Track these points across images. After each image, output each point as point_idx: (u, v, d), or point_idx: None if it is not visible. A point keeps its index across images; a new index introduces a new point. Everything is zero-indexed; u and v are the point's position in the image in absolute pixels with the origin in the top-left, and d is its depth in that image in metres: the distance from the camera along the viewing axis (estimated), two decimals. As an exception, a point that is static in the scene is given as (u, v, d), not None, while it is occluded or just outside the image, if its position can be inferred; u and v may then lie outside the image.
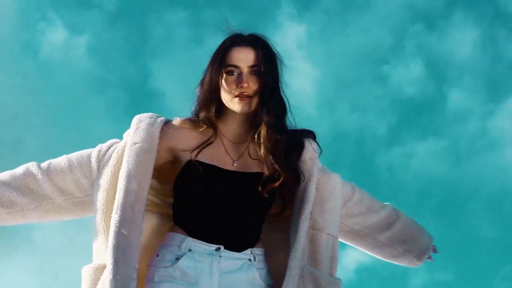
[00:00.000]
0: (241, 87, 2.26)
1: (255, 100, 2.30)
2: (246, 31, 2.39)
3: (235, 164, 2.33)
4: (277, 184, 2.25)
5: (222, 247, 2.20)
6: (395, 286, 6.04)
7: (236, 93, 2.28)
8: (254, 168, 2.33)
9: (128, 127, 2.35)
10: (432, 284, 6.02)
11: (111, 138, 2.41)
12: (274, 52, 2.38)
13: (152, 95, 6.67)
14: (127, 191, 2.17)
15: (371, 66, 6.79)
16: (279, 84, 2.37)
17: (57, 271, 6.23)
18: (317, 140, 2.47)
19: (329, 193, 2.39)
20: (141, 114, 2.37)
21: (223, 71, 2.30)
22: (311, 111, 6.67)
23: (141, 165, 2.23)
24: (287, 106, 2.38)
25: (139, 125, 2.32)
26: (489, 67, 6.69)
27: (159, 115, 2.39)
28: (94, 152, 2.37)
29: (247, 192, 2.27)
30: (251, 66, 2.30)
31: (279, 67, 2.38)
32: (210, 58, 2.37)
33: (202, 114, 2.35)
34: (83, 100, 6.78)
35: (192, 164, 2.26)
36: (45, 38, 6.87)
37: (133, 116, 2.37)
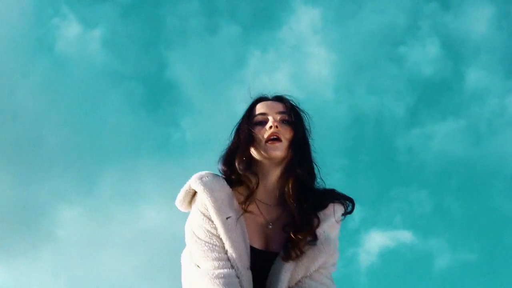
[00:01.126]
0: (271, 127, 2.20)
1: (286, 147, 2.21)
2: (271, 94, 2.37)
3: (270, 227, 2.25)
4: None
5: None
6: (419, 268, 6.02)
7: (266, 136, 2.21)
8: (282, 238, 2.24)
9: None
10: (456, 264, 6.00)
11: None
12: (302, 110, 2.33)
13: (168, 86, 6.67)
14: None
15: (387, 47, 6.74)
16: (309, 143, 2.30)
17: (81, 267, 6.26)
18: (349, 209, 2.32)
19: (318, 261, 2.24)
20: (200, 175, 2.22)
21: (251, 123, 2.25)
22: (329, 96, 6.65)
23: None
24: (318, 170, 2.29)
25: (213, 192, 2.19)
26: (506, 44, 6.63)
27: (214, 173, 2.27)
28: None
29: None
30: (280, 113, 2.25)
31: (308, 126, 2.31)
32: (236, 124, 2.32)
33: (238, 167, 2.23)
34: (99, 94, 6.79)
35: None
36: (59, 33, 6.88)
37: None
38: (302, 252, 2.16)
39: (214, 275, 2.10)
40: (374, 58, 6.68)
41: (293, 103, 2.31)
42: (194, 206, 2.22)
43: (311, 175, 2.28)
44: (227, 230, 2.13)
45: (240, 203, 2.20)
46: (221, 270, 2.11)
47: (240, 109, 2.37)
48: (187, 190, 2.22)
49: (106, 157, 6.54)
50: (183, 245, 2.29)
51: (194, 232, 2.18)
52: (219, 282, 2.08)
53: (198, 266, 2.16)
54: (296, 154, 2.22)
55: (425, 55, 6.61)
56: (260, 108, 2.28)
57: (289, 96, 2.33)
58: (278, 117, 2.24)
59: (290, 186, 2.22)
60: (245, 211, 2.18)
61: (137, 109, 6.61)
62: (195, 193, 2.23)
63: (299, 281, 2.17)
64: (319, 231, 2.21)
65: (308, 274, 2.19)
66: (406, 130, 6.60)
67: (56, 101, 6.76)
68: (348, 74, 6.70)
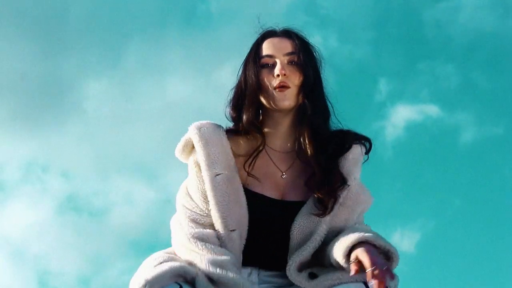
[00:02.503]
0: (278, 75, 2.05)
1: (295, 93, 2.07)
2: (279, 26, 2.18)
3: (284, 176, 2.11)
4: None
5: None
6: (445, 142, 6.07)
7: (275, 85, 2.05)
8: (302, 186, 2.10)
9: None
10: (482, 138, 6.03)
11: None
12: (312, 45, 2.15)
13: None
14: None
15: None
16: (322, 81, 2.14)
17: (107, 139, 6.36)
18: (371, 148, 2.20)
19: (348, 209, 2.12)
20: (200, 125, 2.11)
21: (258, 66, 2.10)
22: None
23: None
24: (332, 108, 2.14)
25: (207, 146, 2.07)
26: None
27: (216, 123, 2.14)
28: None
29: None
30: (288, 54, 2.09)
31: (319, 63, 2.15)
32: (243, 61, 2.16)
33: (244, 118, 2.10)
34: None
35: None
36: None
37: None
38: (332, 209, 2.03)
39: (192, 234, 2.00)
40: None
41: (303, 39, 2.14)
42: (190, 157, 2.11)
43: (326, 120, 2.14)
44: (213, 188, 2.01)
45: (243, 156, 2.09)
46: (200, 230, 2.01)
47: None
48: (186, 140, 2.10)
49: (132, 29, 6.48)
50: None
51: (186, 187, 2.11)
52: (195, 241, 1.98)
53: (180, 224, 2.06)
54: (309, 100, 2.07)
55: None
56: (267, 49, 2.11)
57: (298, 30, 2.15)
58: (286, 59, 2.08)
59: (305, 136, 2.08)
60: (249, 165, 2.06)
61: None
62: (193, 145, 2.11)
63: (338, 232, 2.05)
64: (350, 178, 2.09)
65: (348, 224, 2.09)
66: (434, 2, 6.47)
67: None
68: None
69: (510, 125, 5.94)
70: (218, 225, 2.01)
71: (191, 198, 2.08)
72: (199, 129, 2.08)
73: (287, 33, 2.14)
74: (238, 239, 2.01)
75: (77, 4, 6.58)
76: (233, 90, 2.15)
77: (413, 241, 5.61)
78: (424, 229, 5.70)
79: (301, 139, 2.09)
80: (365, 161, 2.20)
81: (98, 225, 6.23)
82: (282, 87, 2.04)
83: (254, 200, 2.05)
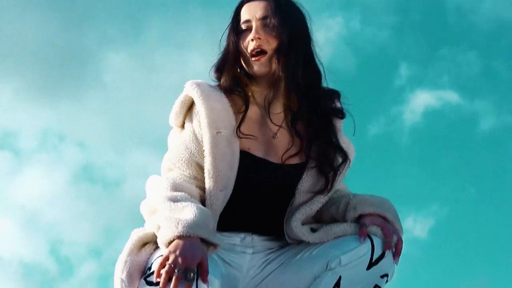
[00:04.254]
0: (253, 40, 2.05)
1: (272, 58, 2.05)
2: None
3: (276, 137, 2.10)
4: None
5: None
6: (463, 129, 6.04)
7: (250, 49, 2.06)
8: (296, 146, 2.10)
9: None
10: (501, 127, 6.00)
11: None
12: (293, 4, 2.13)
13: None
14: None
15: None
16: (303, 42, 2.11)
17: (126, 112, 6.37)
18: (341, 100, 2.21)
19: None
20: (197, 82, 2.08)
21: (238, 31, 2.10)
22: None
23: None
24: (322, 73, 2.13)
25: (209, 101, 2.04)
26: None
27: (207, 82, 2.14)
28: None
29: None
30: (262, 18, 2.07)
31: (300, 23, 2.12)
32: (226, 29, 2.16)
33: (223, 79, 2.12)
34: None
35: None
36: None
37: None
38: (333, 185, 2.12)
39: (173, 182, 1.97)
40: None
41: (279, 0, 2.10)
42: (188, 117, 2.07)
43: (315, 81, 2.12)
44: (213, 146, 1.98)
45: (240, 113, 2.07)
46: (184, 183, 2.00)
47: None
48: (182, 101, 2.07)
49: (155, 2, 6.49)
50: None
51: (175, 147, 2.07)
52: (171, 187, 1.96)
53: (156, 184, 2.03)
54: (288, 64, 2.05)
55: None
56: (244, 14, 2.10)
57: None
58: (260, 23, 2.07)
59: (294, 103, 2.09)
60: (240, 128, 2.05)
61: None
62: (191, 105, 2.08)
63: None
64: (349, 150, 2.16)
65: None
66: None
67: None
68: None
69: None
70: (209, 183, 1.99)
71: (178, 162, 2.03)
72: (198, 85, 2.06)
73: None
74: (222, 200, 2.02)
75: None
76: (220, 54, 2.16)
77: (425, 227, 5.61)
78: (437, 216, 5.70)
79: (292, 106, 2.09)
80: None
81: (112, 197, 6.27)
82: (258, 53, 2.05)
83: (254, 165, 2.05)
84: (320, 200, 2.10)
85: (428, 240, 5.55)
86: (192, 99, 2.05)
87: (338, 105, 2.19)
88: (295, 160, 2.08)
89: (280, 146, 2.09)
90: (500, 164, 5.83)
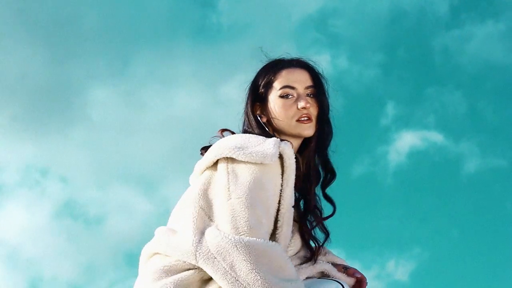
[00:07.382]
0: (303, 108, 2.12)
1: (315, 124, 2.16)
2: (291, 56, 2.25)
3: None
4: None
5: None
6: (448, 171, 6.02)
7: (298, 117, 2.12)
8: None
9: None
10: (485, 169, 5.98)
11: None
12: (324, 77, 2.24)
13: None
14: None
15: None
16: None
17: (111, 148, 6.35)
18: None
19: None
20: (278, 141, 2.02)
21: (278, 96, 2.15)
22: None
23: None
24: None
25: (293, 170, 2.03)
26: None
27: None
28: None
29: None
30: (308, 87, 2.16)
31: (328, 93, 2.24)
32: (250, 87, 2.22)
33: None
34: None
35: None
36: None
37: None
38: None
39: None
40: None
41: (317, 70, 2.22)
42: (276, 169, 1.98)
43: (329, 145, 2.25)
44: (287, 219, 1.98)
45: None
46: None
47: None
48: (277, 150, 1.96)
49: (142, 38, 6.50)
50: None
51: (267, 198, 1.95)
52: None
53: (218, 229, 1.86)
54: (324, 132, 2.19)
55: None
56: (287, 79, 2.16)
57: (312, 61, 2.23)
58: (307, 92, 2.16)
59: (316, 165, 2.21)
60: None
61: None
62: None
63: None
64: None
65: None
66: (445, 30, 6.45)
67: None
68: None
69: (514, 158, 5.89)
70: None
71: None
72: (287, 144, 2.01)
73: (304, 65, 2.21)
74: None
75: (88, 11, 6.60)
76: (246, 109, 2.21)
77: (407, 270, 5.55)
78: (419, 259, 5.65)
79: (312, 167, 2.19)
80: None
81: (93, 234, 6.21)
82: (305, 119, 2.12)
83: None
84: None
85: (409, 283, 5.50)
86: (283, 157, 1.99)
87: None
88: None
89: None
90: (483, 207, 5.81)
